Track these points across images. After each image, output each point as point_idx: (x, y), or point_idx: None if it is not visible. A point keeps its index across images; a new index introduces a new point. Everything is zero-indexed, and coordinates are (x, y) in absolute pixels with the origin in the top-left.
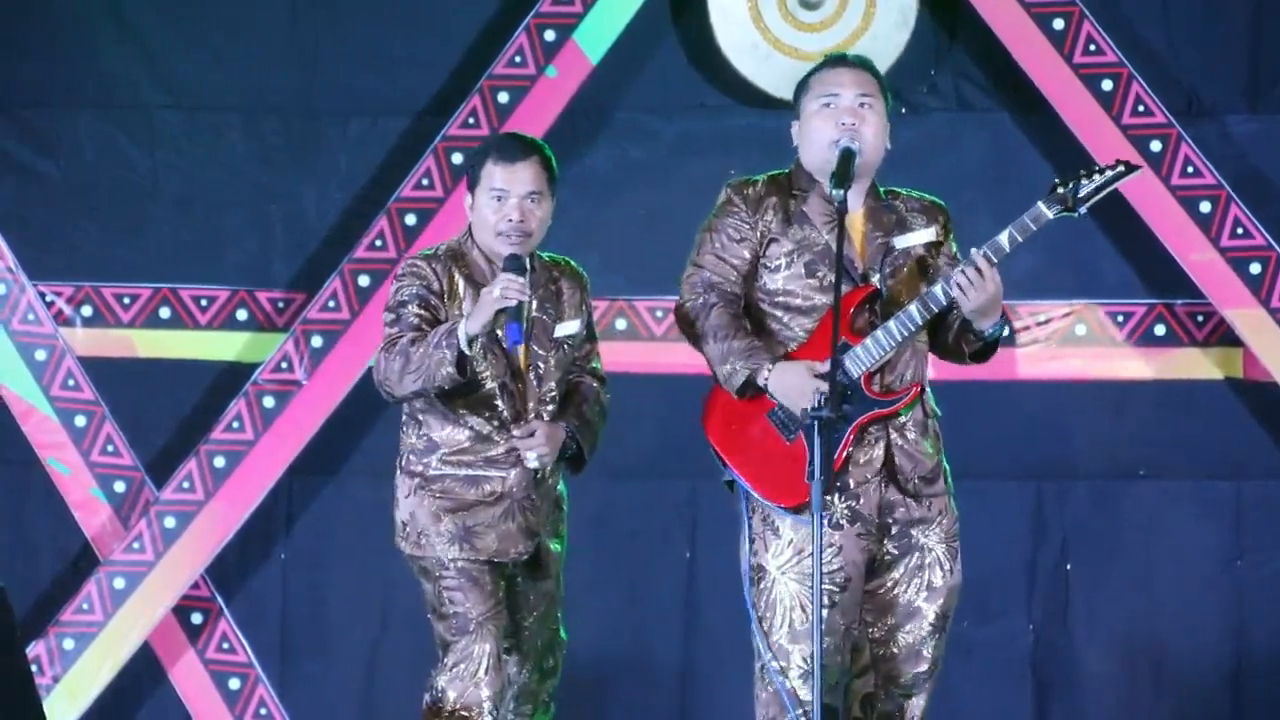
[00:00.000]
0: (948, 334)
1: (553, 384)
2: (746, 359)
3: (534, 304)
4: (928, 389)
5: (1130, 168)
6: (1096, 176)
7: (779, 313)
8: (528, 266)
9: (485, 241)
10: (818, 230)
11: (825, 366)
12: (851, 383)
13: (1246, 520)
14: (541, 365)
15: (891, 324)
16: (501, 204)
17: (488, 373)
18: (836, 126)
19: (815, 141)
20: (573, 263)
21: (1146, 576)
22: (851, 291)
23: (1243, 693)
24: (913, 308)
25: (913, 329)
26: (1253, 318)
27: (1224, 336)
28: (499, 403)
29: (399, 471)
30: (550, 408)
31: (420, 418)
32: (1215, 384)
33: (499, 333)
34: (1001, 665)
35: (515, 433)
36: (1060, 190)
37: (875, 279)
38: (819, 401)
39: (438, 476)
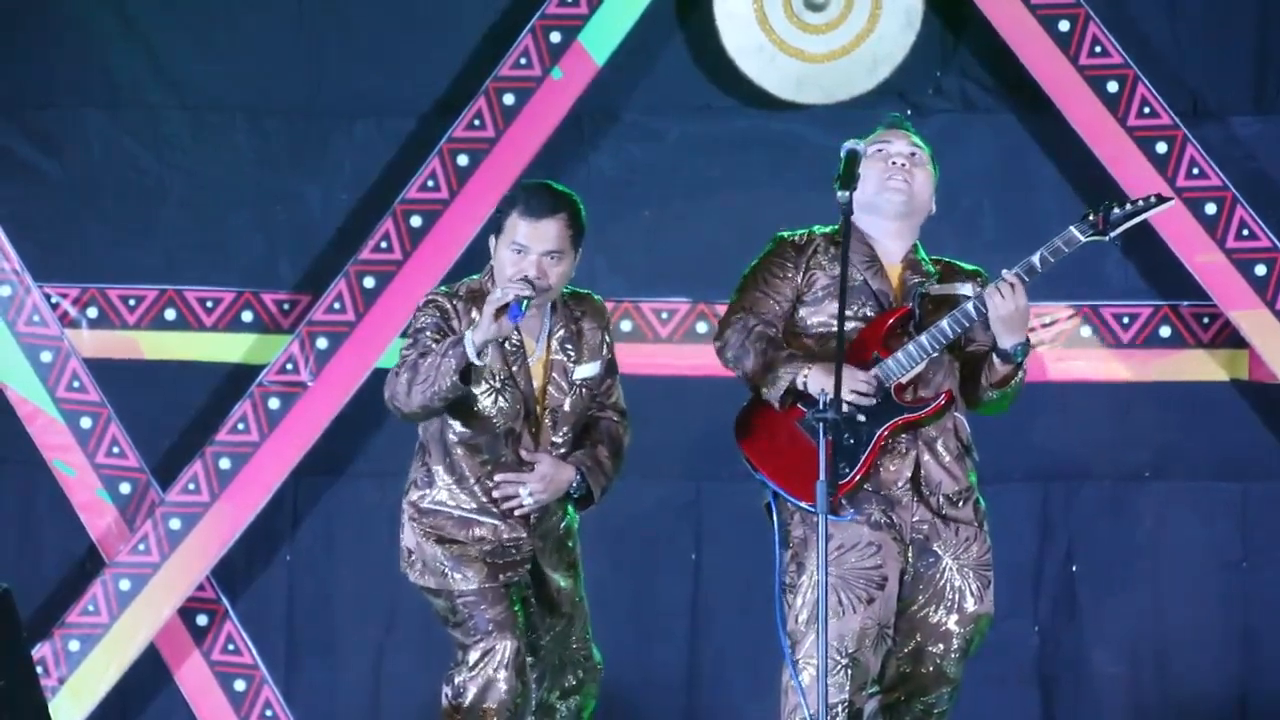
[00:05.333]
0: (974, 372)
1: (568, 427)
2: (785, 366)
3: (554, 344)
4: (966, 427)
5: (1161, 199)
6: (1129, 205)
7: (814, 342)
8: (533, 283)
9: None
10: (856, 268)
11: (869, 374)
12: (882, 391)
13: (1252, 521)
14: (559, 410)
15: (923, 337)
16: (521, 258)
17: (501, 411)
18: (888, 165)
19: (867, 180)
20: (595, 297)
21: (1152, 578)
22: (887, 312)
23: (1249, 694)
24: (944, 322)
25: (943, 342)
26: (1258, 319)
27: (1229, 338)
28: (506, 447)
29: (404, 497)
30: (563, 450)
31: (428, 446)
32: (1220, 385)
33: (507, 346)
34: (1007, 667)
35: (499, 477)
36: (1093, 216)
37: (909, 304)
38: (824, 402)
39: (431, 511)
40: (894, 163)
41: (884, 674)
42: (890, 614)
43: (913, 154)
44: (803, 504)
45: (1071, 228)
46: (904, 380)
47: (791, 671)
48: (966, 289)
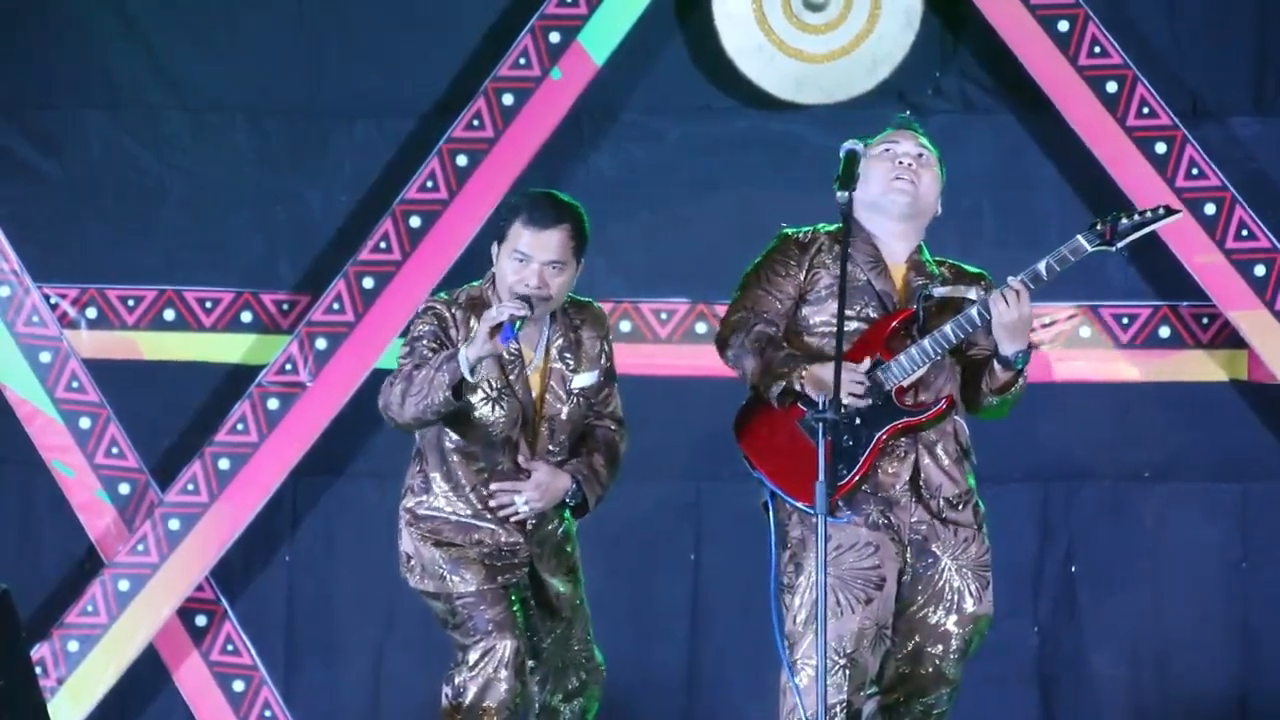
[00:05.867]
0: (975, 376)
1: (564, 435)
2: (783, 365)
3: (553, 352)
4: (965, 431)
5: (1170, 211)
6: (1137, 217)
7: (816, 340)
8: (532, 304)
9: (504, 297)
10: (860, 268)
11: (862, 366)
12: (883, 395)
13: (1252, 522)
14: (556, 419)
15: (926, 341)
16: (523, 266)
17: (498, 419)
18: (894, 165)
19: (874, 181)
20: (595, 305)
21: (1152, 578)
22: (890, 314)
23: (1249, 694)
24: (948, 327)
25: (946, 347)
26: (1257, 320)
27: (1229, 339)
28: (503, 455)
29: (400, 503)
30: (559, 457)
31: (425, 453)
32: (1220, 386)
33: (505, 355)
34: (1007, 668)
35: (495, 486)
36: (1100, 226)
37: (913, 306)
38: (824, 403)
39: (427, 517)
40: (900, 163)
41: (883, 674)
42: (889, 614)
43: (920, 155)
44: (800, 504)
45: (1079, 237)
46: (905, 384)
47: (788, 672)
48: (971, 292)
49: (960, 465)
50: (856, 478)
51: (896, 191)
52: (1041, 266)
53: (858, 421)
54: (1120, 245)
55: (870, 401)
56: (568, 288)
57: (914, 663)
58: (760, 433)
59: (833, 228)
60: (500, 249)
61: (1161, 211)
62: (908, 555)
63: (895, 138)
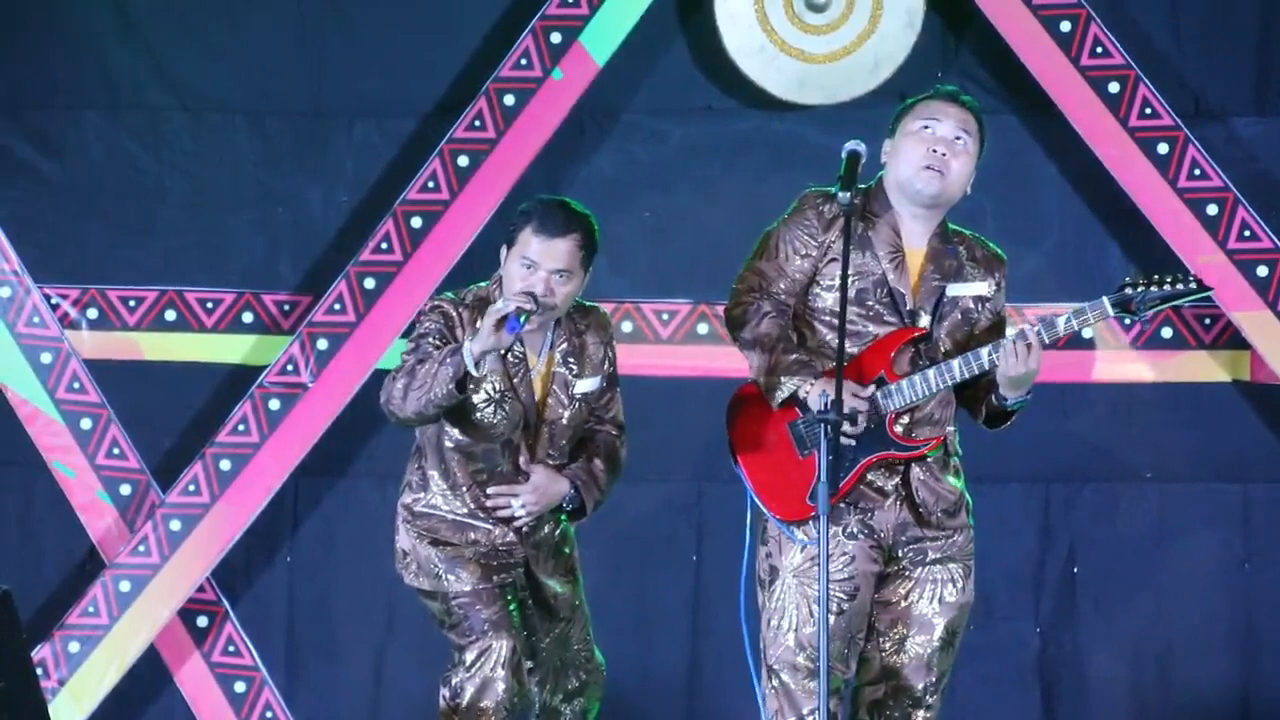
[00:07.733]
0: (973, 391)
1: (565, 440)
2: (792, 374)
3: (556, 356)
4: (954, 429)
5: (1203, 287)
6: (1166, 287)
7: (825, 331)
8: (538, 300)
9: None
10: (877, 260)
11: (867, 391)
12: (878, 418)
13: (1254, 523)
14: (557, 423)
15: (931, 373)
16: (530, 273)
17: (501, 422)
18: (928, 152)
19: (905, 159)
20: (600, 310)
21: (1154, 580)
22: (900, 330)
23: (1251, 695)
24: (955, 363)
25: (949, 383)
26: (1260, 320)
27: (1231, 339)
28: (503, 457)
29: (398, 499)
30: (559, 461)
31: (424, 450)
32: (1222, 386)
33: (509, 358)
34: (1008, 669)
35: (493, 489)
36: (1128, 291)
37: (924, 320)
38: (825, 405)
39: (424, 514)
40: (934, 150)
41: (870, 667)
42: (862, 621)
43: (958, 138)
44: (771, 514)
45: (1105, 299)
46: (900, 411)
47: (754, 676)
48: (983, 287)
49: (947, 469)
50: (834, 501)
51: (923, 181)
52: (1060, 322)
53: (848, 442)
54: (1146, 315)
55: (865, 426)
56: (573, 297)
57: (899, 653)
58: (750, 426)
59: (863, 188)
60: (508, 253)
61: (1194, 285)
62: (894, 550)
63: (937, 114)
